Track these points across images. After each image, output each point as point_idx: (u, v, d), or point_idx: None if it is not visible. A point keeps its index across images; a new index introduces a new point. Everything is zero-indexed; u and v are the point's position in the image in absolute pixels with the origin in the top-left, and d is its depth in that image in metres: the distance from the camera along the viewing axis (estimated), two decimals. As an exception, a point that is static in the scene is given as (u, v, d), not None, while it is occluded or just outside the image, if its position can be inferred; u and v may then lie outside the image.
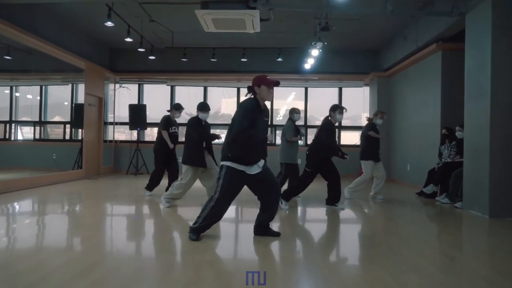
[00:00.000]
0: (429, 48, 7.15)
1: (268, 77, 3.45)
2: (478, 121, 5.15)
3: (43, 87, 10.20)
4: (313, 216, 5.35)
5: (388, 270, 2.75)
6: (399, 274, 2.68)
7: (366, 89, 10.50)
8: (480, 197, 5.02)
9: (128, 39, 7.29)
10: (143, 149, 10.11)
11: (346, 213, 5.25)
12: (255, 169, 3.39)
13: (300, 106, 10.59)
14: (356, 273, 2.85)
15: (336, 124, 5.49)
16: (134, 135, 10.86)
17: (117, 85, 10.69)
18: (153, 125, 11.16)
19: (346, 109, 5.45)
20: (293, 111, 6.07)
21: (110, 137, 10.55)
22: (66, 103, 10.33)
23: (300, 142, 6.16)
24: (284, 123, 6.22)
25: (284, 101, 11.54)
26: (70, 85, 10.25)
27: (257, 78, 3.45)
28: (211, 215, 3.39)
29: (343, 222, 4.81)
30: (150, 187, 6.14)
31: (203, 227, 3.43)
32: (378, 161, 6.30)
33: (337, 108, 5.36)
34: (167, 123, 5.99)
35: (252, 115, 3.33)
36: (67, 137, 10.20)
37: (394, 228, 4.53)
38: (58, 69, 8.92)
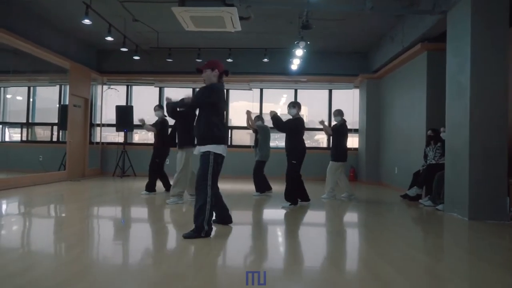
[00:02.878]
0: (414, 49, 7.04)
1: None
2: (458, 121, 5.01)
3: (31, 88, 10.15)
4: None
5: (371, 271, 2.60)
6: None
7: (356, 92, 10.39)
8: (460, 199, 4.87)
9: (109, 38, 7.20)
10: (130, 151, 10.00)
11: (324, 214, 5.09)
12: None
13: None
14: (342, 274, 2.70)
15: None
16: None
17: (105, 87, 10.61)
18: (141, 126, 11.05)
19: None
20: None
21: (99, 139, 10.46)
22: (58, 105, 10.27)
23: None
24: None
25: (276, 104, 11.43)
26: (57, 86, 10.21)
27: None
28: None
29: (322, 225, 4.66)
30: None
31: None
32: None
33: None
34: None
35: None
36: (54, 138, 10.13)
37: (366, 232, 4.37)
38: (43, 69, 8.83)
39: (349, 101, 10.48)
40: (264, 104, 10.60)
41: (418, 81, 7.21)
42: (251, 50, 9.54)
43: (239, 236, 3.77)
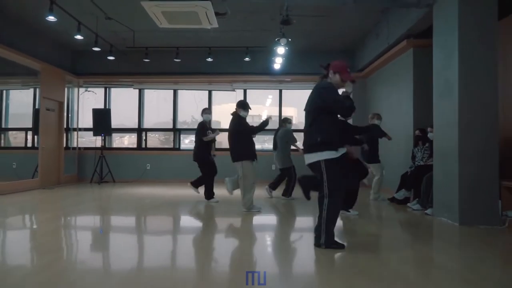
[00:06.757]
0: (400, 45, 6.76)
1: (347, 69, 3.44)
2: (446, 121, 4.72)
3: (3, 92, 9.64)
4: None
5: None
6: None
7: (342, 91, 10.09)
8: (450, 203, 4.57)
9: (78, 37, 6.78)
10: (108, 156, 9.56)
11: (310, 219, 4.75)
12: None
13: (275, 111, 10.15)
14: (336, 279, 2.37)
15: None
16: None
17: (82, 89, 10.15)
18: (119, 130, 10.63)
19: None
20: (286, 121, 6.84)
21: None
22: (32, 109, 9.79)
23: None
24: None
25: (262, 106, 11.07)
26: (31, 89, 9.73)
27: (337, 63, 3.45)
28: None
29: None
30: None
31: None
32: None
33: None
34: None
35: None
36: (29, 144, 9.64)
37: (352, 238, 4.05)
38: (13, 72, 8.37)
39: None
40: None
41: (404, 79, 6.94)
42: (232, 49, 9.18)
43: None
